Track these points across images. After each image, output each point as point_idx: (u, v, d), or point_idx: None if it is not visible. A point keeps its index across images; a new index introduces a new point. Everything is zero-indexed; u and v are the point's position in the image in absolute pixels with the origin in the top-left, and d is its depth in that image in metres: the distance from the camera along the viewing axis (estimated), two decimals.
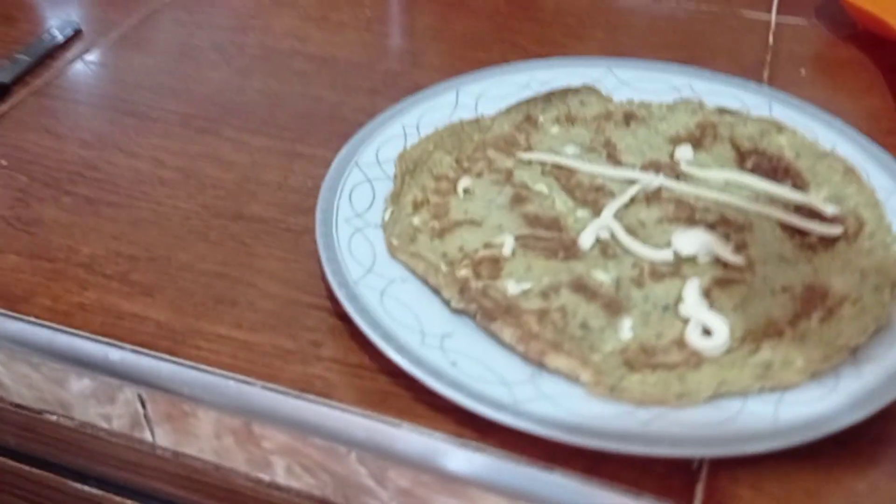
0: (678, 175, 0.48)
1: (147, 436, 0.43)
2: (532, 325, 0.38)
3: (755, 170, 0.48)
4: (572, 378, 0.36)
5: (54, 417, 0.45)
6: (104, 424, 0.44)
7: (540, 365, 0.37)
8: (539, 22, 0.67)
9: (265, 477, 0.42)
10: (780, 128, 0.50)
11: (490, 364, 0.37)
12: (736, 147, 0.50)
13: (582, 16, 0.68)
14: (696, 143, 0.50)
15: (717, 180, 0.48)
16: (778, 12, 0.68)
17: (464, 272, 0.42)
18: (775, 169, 0.48)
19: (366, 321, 0.38)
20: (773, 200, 0.46)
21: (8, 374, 0.44)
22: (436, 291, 0.41)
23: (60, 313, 0.42)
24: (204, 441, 0.42)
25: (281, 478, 0.41)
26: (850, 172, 0.47)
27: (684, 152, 0.49)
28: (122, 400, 0.42)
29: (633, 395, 0.35)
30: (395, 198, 0.45)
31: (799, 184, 0.47)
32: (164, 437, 0.43)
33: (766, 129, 0.50)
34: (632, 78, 0.55)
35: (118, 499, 0.47)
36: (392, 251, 0.42)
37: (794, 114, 0.51)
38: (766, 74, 0.60)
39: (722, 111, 0.52)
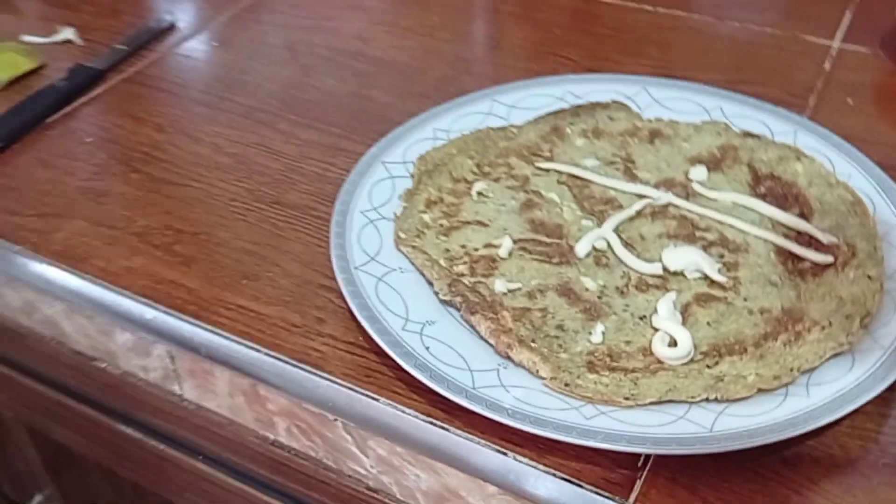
0: (688, 194, 0.50)
1: (176, 388, 0.49)
2: (508, 321, 0.41)
3: (767, 194, 0.50)
4: (533, 372, 0.39)
5: (103, 365, 0.51)
6: (142, 375, 0.50)
7: (507, 358, 0.40)
8: (596, 36, 0.69)
9: (270, 435, 0.47)
10: (799, 155, 0.51)
11: (462, 352, 0.40)
12: (753, 171, 0.51)
13: (640, 33, 0.69)
14: (716, 164, 0.52)
15: (725, 202, 0.49)
16: (843, 39, 0.68)
17: (461, 268, 0.45)
18: (786, 195, 0.49)
19: (356, 302, 0.42)
20: (775, 225, 0.48)
21: (69, 322, 0.51)
22: (430, 283, 0.44)
23: (111, 274, 0.48)
24: (221, 398, 0.47)
25: (283, 438, 0.46)
26: (857, 204, 0.47)
27: (698, 173, 0.51)
28: (155, 354, 0.48)
29: (586, 392, 0.38)
30: (409, 195, 0.49)
31: (805, 211, 0.48)
32: (189, 391, 0.48)
33: (785, 155, 0.52)
34: (665, 97, 0.57)
35: (152, 443, 0.54)
36: (397, 243, 0.46)
37: (818, 143, 0.52)
38: (812, 101, 0.61)
39: (746, 135, 0.53)
